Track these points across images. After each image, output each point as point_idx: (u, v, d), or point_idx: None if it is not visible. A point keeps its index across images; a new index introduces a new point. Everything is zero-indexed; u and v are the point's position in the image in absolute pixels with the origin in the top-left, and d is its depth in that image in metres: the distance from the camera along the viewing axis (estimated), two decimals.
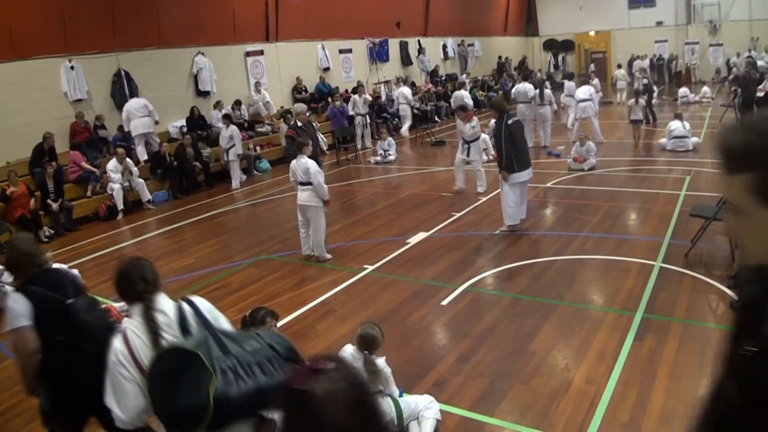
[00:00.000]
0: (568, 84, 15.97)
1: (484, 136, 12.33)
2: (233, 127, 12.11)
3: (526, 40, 29.21)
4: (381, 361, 3.59)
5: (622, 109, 16.94)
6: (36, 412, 3.35)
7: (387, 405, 3.58)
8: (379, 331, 3.59)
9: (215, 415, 2.05)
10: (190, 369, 2.06)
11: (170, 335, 2.29)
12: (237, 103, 13.93)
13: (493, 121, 7.79)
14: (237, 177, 12.00)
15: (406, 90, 16.99)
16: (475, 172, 9.57)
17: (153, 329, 2.27)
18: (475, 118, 9.70)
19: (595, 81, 15.39)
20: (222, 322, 2.42)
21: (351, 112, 14.73)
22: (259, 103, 14.52)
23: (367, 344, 3.54)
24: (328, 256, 6.96)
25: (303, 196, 6.74)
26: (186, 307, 2.38)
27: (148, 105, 11.59)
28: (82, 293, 3.23)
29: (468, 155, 9.52)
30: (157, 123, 11.92)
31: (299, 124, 8.04)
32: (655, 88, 18.79)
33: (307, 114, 8.79)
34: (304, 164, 6.61)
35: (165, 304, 2.39)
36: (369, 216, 8.86)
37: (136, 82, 12.01)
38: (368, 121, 15.13)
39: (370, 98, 15.46)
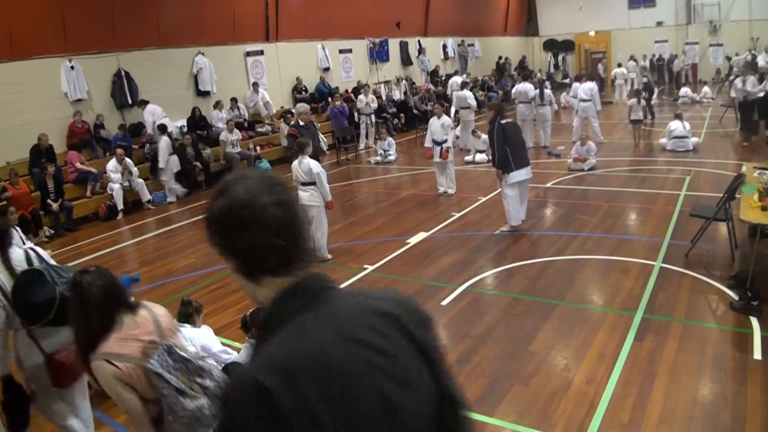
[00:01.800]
0: (575, 84, 15.93)
1: (484, 137, 12.35)
2: (165, 139, 11.18)
3: (526, 40, 29.20)
4: None
5: (622, 108, 16.93)
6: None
7: None
8: None
9: (58, 309, 3.01)
10: (41, 280, 3.11)
11: (21, 269, 3.25)
12: (233, 100, 13.88)
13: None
14: (174, 193, 11.25)
15: (458, 79, 18.00)
16: (450, 173, 9.55)
17: (10, 266, 3.24)
18: (446, 117, 9.57)
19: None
20: (53, 263, 3.47)
21: (366, 110, 14.94)
22: (259, 103, 14.51)
23: None
24: (329, 255, 6.96)
25: (305, 195, 6.68)
26: (31, 252, 3.42)
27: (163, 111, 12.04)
28: None
29: (440, 156, 9.39)
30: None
31: (301, 123, 8.00)
32: (655, 88, 18.82)
33: (309, 115, 8.74)
34: (306, 165, 6.60)
35: (16, 251, 3.35)
36: (369, 216, 8.86)
37: (136, 82, 12.02)
38: (373, 120, 15.19)
39: (375, 99, 15.52)
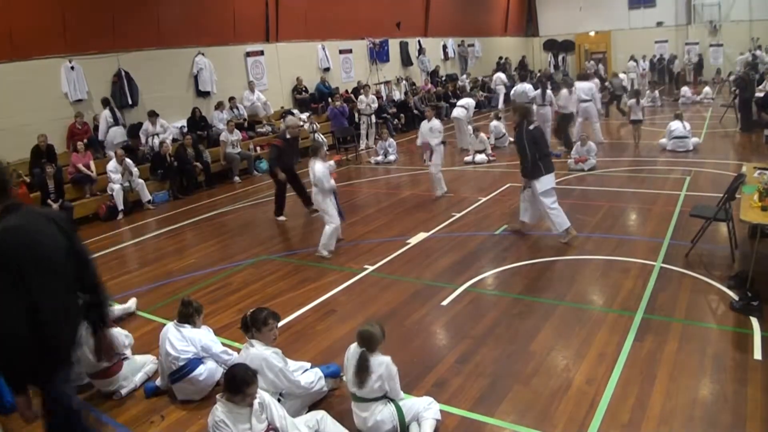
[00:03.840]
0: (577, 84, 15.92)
1: (483, 136, 12.36)
2: (105, 112, 11.18)
3: (526, 40, 29.22)
4: (387, 360, 3.57)
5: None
6: None
7: (390, 412, 3.55)
8: (378, 329, 3.59)
9: None
10: None
11: None
12: (231, 100, 13.82)
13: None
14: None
15: (501, 75, 21.33)
16: (433, 175, 9.49)
17: None
18: (435, 121, 9.56)
19: (595, 80, 15.38)
20: None
21: (366, 111, 14.99)
22: (257, 103, 14.48)
23: (364, 341, 3.57)
24: (327, 254, 6.98)
25: (314, 196, 7.16)
26: None
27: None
28: None
29: (430, 159, 9.49)
30: None
31: (288, 135, 8.04)
32: (648, 92, 18.86)
33: (298, 129, 8.64)
34: (312, 167, 6.92)
35: None
36: (369, 216, 8.86)
37: (136, 82, 12.03)
38: (373, 120, 15.20)
39: (375, 99, 15.52)
